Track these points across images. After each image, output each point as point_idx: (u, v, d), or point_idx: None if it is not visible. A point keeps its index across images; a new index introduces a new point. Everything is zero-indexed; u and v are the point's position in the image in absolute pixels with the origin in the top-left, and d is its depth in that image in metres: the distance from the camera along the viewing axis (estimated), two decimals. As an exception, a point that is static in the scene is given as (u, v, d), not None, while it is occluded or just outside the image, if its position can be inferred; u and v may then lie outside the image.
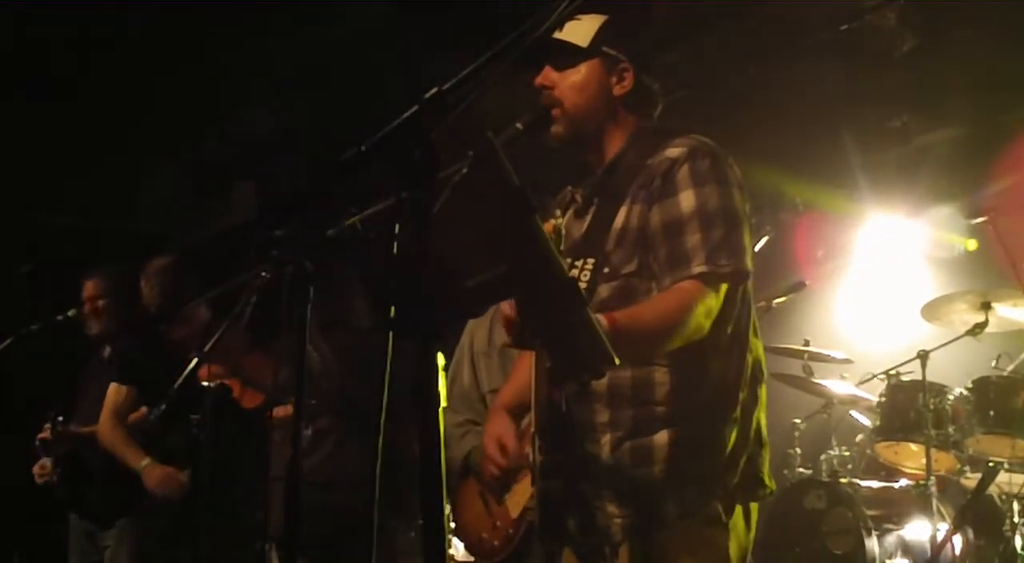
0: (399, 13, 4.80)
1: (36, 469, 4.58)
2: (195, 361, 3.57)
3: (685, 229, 2.22)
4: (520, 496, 3.31)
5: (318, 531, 3.89)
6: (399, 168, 1.52)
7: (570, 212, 2.48)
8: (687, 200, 2.23)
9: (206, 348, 3.61)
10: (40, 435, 4.47)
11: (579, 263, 2.32)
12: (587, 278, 2.28)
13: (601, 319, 1.97)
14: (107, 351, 4.78)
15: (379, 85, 5.03)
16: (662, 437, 2.23)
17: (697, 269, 2.19)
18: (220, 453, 3.81)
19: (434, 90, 1.57)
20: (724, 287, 2.22)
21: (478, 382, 3.89)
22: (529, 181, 1.77)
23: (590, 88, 2.37)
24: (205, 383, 3.94)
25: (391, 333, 1.55)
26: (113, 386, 4.27)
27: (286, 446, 3.93)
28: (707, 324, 2.18)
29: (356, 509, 3.99)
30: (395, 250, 1.55)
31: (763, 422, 2.37)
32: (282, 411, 3.78)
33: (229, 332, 3.92)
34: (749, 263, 2.26)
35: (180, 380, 3.57)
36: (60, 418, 4.43)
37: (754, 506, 2.35)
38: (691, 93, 5.00)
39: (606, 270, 2.28)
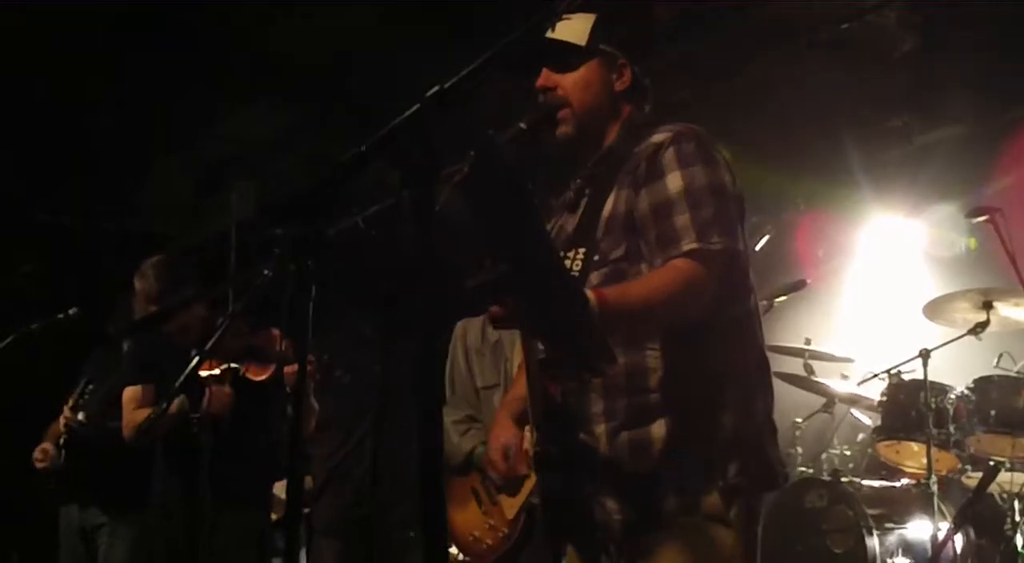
0: (398, 12, 4.80)
1: (37, 454, 4.53)
2: (196, 359, 3.58)
3: (674, 210, 2.19)
4: (519, 497, 3.31)
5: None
6: (400, 167, 1.52)
7: (565, 208, 2.47)
8: (674, 181, 2.21)
9: (207, 347, 3.62)
10: (64, 417, 4.42)
11: (571, 254, 2.30)
12: (579, 268, 2.26)
13: (589, 294, 1.95)
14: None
15: (379, 85, 5.02)
16: (659, 428, 2.19)
17: (687, 246, 2.16)
18: (241, 428, 3.86)
19: (434, 89, 1.56)
20: (716, 265, 2.18)
21: (472, 377, 3.93)
22: (529, 181, 1.76)
23: (594, 86, 2.36)
24: (204, 374, 3.97)
25: (391, 333, 1.55)
26: (129, 389, 4.20)
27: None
28: (701, 301, 2.15)
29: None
30: (395, 250, 1.55)
31: (771, 408, 2.33)
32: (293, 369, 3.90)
33: (227, 328, 3.96)
34: (740, 242, 2.24)
35: (182, 379, 3.57)
36: (90, 386, 4.40)
37: (758, 501, 2.30)
38: (691, 93, 5.01)
39: (596, 258, 2.26)
